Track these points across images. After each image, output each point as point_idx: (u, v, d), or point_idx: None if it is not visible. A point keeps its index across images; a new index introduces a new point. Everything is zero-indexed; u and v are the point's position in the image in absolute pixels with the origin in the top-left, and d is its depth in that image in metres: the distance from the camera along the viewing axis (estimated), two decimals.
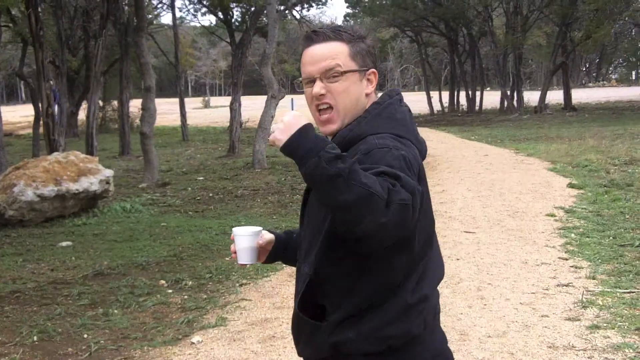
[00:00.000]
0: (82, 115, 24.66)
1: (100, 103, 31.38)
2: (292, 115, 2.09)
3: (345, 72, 2.28)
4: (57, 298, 6.67)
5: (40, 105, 13.66)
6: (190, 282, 7.11)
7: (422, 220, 2.17)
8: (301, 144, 2.01)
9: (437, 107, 38.53)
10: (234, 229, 2.45)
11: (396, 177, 1.97)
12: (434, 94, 39.58)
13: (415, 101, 45.40)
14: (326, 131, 2.31)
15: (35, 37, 13.41)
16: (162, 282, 7.15)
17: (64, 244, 9.06)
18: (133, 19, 17.93)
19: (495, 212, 10.25)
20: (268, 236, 2.56)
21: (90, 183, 10.87)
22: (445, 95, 39.76)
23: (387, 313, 2.18)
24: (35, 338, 5.57)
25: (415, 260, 2.20)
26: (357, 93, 2.31)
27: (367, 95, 2.33)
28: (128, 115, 22.33)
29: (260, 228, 2.49)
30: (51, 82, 26.51)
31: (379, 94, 2.43)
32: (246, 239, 2.43)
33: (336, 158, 1.94)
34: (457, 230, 9.15)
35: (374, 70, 2.37)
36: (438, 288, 2.36)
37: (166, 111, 35.66)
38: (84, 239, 9.41)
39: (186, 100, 29.77)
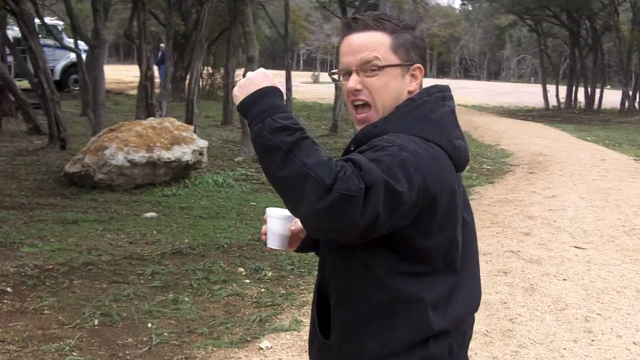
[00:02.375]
0: None
1: (210, 70, 31.39)
2: (257, 73, 1.97)
3: (384, 66, 2.07)
4: (130, 276, 6.29)
5: (140, 67, 13.35)
6: (270, 273, 6.63)
7: (435, 240, 1.99)
8: (254, 106, 1.90)
9: (552, 101, 36.96)
10: (267, 209, 2.32)
11: (358, 166, 1.79)
12: (551, 88, 37.93)
13: (531, 93, 43.97)
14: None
15: None
16: (241, 269, 6.70)
17: (149, 215, 8.72)
18: None
19: (609, 226, 9.38)
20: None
21: (183, 152, 10.52)
22: (563, 90, 38.03)
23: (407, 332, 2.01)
24: (96, 322, 5.18)
25: (422, 285, 2.00)
26: (397, 90, 2.10)
27: (409, 92, 2.12)
28: (233, 84, 22.00)
29: None
30: (162, 45, 26.62)
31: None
32: (278, 222, 2.28)
33: (282, 129, 1.82)
34: (566, 244, 8.35)
35: (419, 65, 2.14)
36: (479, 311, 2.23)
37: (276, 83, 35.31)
38: (170, 211, 9.06)
39: (296, 74, 29.31)
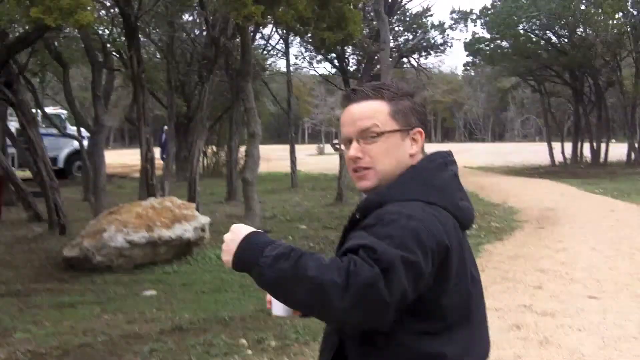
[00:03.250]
0: None
1: (214, 148, 31.51)
2: (231, 231, 2.02)
3: (383, 132, 2.14)
4: (126, 355, 6.04)
5: (140, 149, 13.35)
6: (274, 343, 6.36)
7: (451, 297, 2.03)
8: (244, 259, 1.95)
9: (558, 158, 36.85)
10: None
11: (373, 250, 1.85)
12: (556, 145, 37.86)
13: (536, 152, 43.88)
14: (361, 187, 2.19)
15: (137, 79, 13.11)
16: (243, 341, 6.43)
17: (148, 293, 8.50)
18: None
19: (623, 275, 9.13)
20: None
21: (184, 230, 10.35)
22: (568, 146, 37.99)
23: None
24: None
25: (442, 342, 2.02)
26: (398, 155, 2.16)
27: (411, 156, 2.17)
28: (236, 161, 21.98)
29: None
30: (165, 127, 26.75)
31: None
32: None
33: (276, 259, 1.88)
34: (580, 295, 8.10)
35: (419, 129, 2.20)
36: None
37: (281, 157, 35.42)
38: (170, 288, 8.83)
39: (302, 147, 29.24)
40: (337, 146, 2.29)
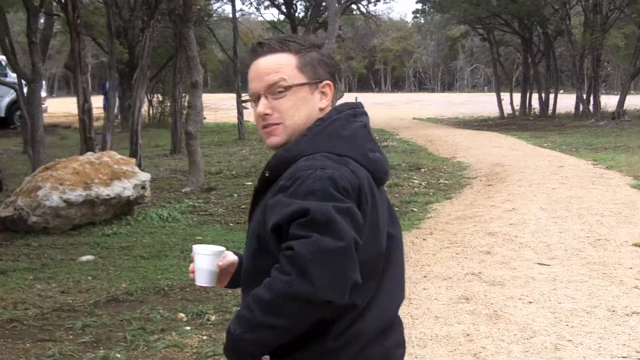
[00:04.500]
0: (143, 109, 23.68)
1: (160, 97, 30.86)
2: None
3: (291, 86, 2.09)
4: (57, 332, 5.69)
5: (77, 99, 12.73)
6: (214, 317, 6.09)
7: (364, 250, 1.96)
8: (233, 352, 1.95)
9: (507, 109, 36.86)
10: (194, 246, 2.27)
11: (305, 214, 1.86)
12: (505, 96, 37.83)
13: (485, 102, 43.96)
14: (270, 144, 2.14)
15: (72, 25, 12.50)
16: (182, 315, 6.14)
17: (85, 258, 8.10)
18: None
19: (573, 238, 8.99)
20: (231, 258, 2.33)
21: (123, 188, 9.92)
22: (517, 97, 38.00)
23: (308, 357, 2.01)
24: None
25: (352, 293, 1.95)
26: (307, 108, 2.12)
27: (321, 109, 2.14)
28: (181, 111, 21.43)
29: (223, 248, 2.30)
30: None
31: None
32: (206, 258, 2.24)
33: (240, 322, 1.92)
34: (530, 261, 7.93)
35: (328, 82, 2.15)
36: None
37: (229, 107, 34.84)
38: (109, 252, 8.45)
39: None
40: (246, 104, 2.21)
